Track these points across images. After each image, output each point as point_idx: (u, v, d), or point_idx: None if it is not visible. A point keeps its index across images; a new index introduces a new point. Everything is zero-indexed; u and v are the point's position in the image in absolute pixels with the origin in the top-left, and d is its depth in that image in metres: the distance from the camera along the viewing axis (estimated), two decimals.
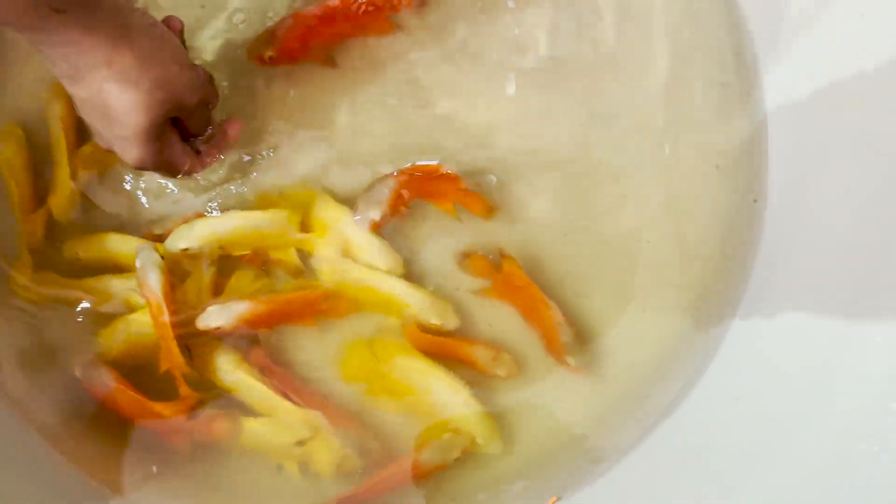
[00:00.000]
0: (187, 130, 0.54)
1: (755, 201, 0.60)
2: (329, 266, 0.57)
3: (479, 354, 0.58)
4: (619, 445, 0.59)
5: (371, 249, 0.57)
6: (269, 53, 0.57)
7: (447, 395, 0.57)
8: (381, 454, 0.58)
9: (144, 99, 0.45)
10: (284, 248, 0.57)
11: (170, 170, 0.53)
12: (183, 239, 0.55)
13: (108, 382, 0.57)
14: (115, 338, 0.57)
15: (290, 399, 0.57)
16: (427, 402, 0.57)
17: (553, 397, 0.60)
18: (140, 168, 0.50)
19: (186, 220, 0.57)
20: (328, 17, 0.57)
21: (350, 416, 0.57)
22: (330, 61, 0.59)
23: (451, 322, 0.58)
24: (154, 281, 0.54)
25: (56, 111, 0.60)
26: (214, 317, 0.55)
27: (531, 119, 0.61)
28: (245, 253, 0.57)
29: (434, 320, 0.57)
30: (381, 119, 0.60)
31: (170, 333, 0.54)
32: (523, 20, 0.61)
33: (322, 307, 0.58)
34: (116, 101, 0.45)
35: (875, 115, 0.52)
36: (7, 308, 0.60)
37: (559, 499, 0.59)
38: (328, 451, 0.56)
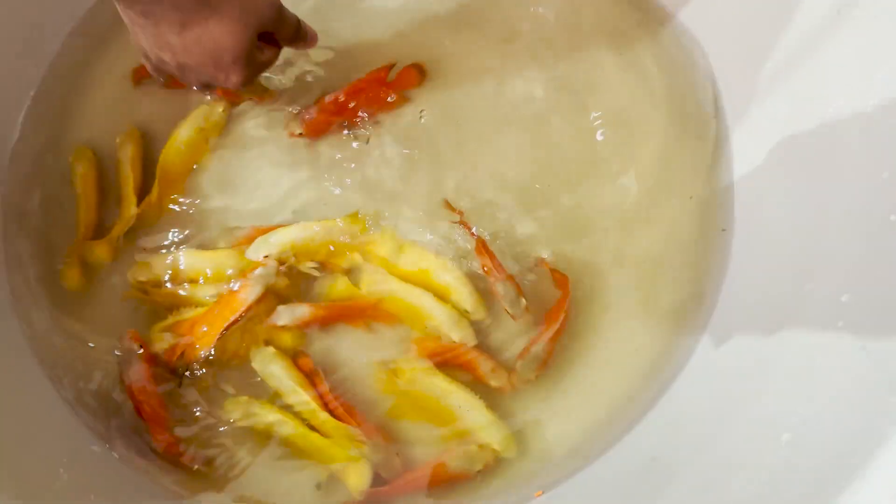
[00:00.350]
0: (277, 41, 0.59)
1: (723, 230, 0.68)
2: (369, 277, 0.64)
3: (480, 364, 0.62)
4: (600, 445, 0.64)
5: (462, 291, 0.63)
6: (298, 131, 0.67)
7: (465, 409, 0.62)
8: (403, 467, 0.62)
9: (239, 23, 0.52)
10: (346, 251, 0.64)
11: (264, 70, 0.59)
12: (263, 248, 0.62)
13: (139, 373, 0.61)
14: (161, 335, 0.62)
15: (329, 409, 0.61)
16: (447, 415, 0.62)
17: (546, 406, 0.64)
18: (244, 83, 0.56)
19: (259, 232, 0.64)
20: (346, 100, 0.67)
21: (379, 428, 0.62)
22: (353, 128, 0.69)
23: (470, 339, 0.63)
24: (255, 291, 0.60)
25: (128, 152, 0.66)
26: (283, 316, 0.62)
27: (532, 167, 0.68)
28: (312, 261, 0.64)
29: (455, 335, 0.62)
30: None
31: (219, 328, 0.60)
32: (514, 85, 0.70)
33: (369, 315, 0.64)
34: (220, 31, 0.52)
35: (832, 155, 0.58)
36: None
37: (542, 492, 0.63)
38: (359, 474, 0.60)
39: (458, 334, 0.62)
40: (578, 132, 0.70)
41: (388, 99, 0.68)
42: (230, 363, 0.63)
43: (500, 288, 0.63)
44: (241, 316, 0.60)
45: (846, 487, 0.44)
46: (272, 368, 0.61)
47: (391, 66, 0.69)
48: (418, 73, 0.69)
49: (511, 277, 0.64)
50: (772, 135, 0.65)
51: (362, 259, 0.64)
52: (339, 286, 0.64)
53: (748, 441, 0.55)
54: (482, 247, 0.64)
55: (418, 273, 0.64)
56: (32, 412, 0.60)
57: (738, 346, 0.62)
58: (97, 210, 0.66)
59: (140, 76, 0.69)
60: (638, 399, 0.65)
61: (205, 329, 0.60)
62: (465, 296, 0.63)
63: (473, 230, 0.65)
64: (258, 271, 0.61)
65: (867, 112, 0.54)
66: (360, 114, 0.68)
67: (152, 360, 0.62)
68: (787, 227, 0.62)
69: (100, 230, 0.66)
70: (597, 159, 0.69)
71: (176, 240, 0.66)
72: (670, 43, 0.72)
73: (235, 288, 0.61)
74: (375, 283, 0.63)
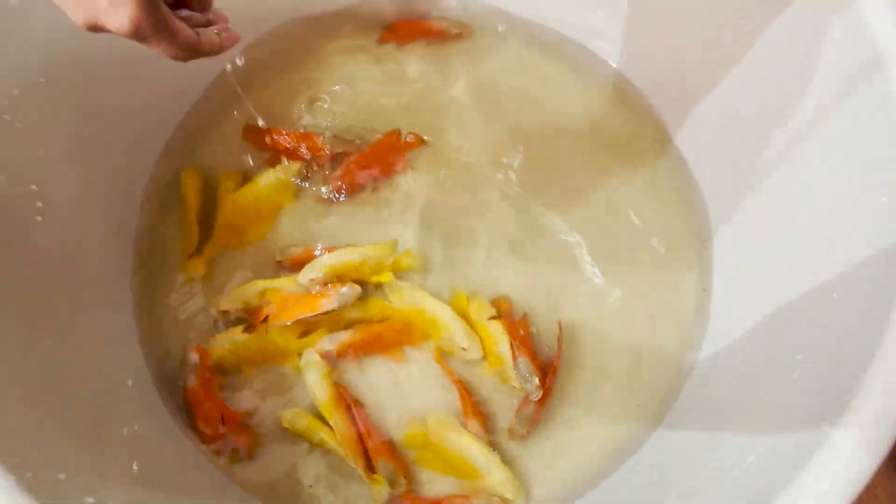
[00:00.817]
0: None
1: (704, 290, 0.77)
2: (398, 291, 0.74)
3: (466, 405, 0.71)
4: (591, 483, 0.71)
5: (455, 327, 0.72)
6: (331, 192, 0.79)
7: (482, 461, 0.69)
8: (409, 487, 0.69)
9: None
10: (382, 272, 0.76)
11: (169, 38, 0.45)
12: (311, 272, 0.74)
13: (192, 377, 0.73)
14: (221, 344, 0.74)
15: (355, 423, 0.70)
16: (466, 467, 0.69)
17: (539, 455, 0.72)
18: (136, 31, 0.44)
19: (307, 254, 0.77)
20: (363, 161, 0.80)
21: (393, 450, 0.71)
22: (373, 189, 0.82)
23: (475, 352, 0.72)
24: (332, 304, 0.72)
25: (227, 188, 0.80)
26: (327, 343, 0.73)
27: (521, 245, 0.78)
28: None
29: (464, 345, 0.71)
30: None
31: (293, 316, 0.73)
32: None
33: (401, 337, 0.73)
34: None
35: (796, 250, 0.66)
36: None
37: None
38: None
39: (467, 343, 0.71)
40: (567, 224, 0.80)
41: (399, 161, 0.82)
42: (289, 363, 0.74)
43: (520, 362, 0.71)
44: (313, 316, 0.72)
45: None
46: (310, 375, 0.72)
47: (398, 133, 0.82)
48: (418, 140, 0.83)
49: (535, 358, 0.71)
50: (749, 230, 0.75)
51: (393, 277, 0.76)
52: (373, 305, 0.75)
53: (725, 460, 0.61)
54: (512, 324, 0.73)
55: (414, 312, 0.74)
56: (123, 381, 0.71)
57: (715, 393, 0.71)
58: (198, 219, 0.79)
59: (248, 133, 0.84)
60: (623, 447, 0.73)
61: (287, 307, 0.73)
62: (458, 331, 0.72)
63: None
64: (344, 290, 0.72)
65: (824, 213, 0.64)
66: (378, 174, 0.81)
67: (209, 369, 0.73)
68: (757, 302, 0.70)
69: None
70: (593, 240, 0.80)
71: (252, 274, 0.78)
72: (662, 151, 0.84)
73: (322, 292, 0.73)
74: (405, 295, 0.74)
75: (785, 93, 0.67)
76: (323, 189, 0.80)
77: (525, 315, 0.75)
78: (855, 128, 0.60)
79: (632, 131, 0.85)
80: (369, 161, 0.81)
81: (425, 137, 0.84)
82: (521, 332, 0.73)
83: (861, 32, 0.58)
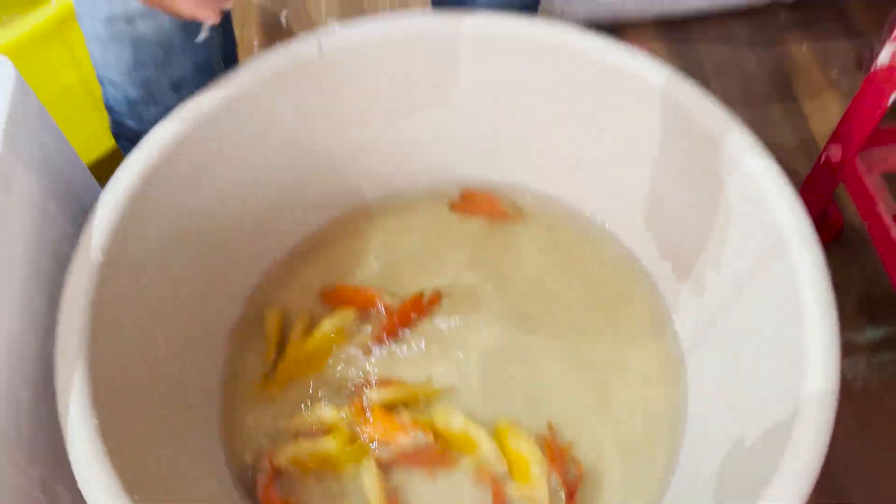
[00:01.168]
0: None
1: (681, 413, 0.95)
2: (440, 413, 0.89)
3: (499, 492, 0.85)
4: None
5: (486, 447, 0.86)
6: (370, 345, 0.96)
7: None
8: None
9: None
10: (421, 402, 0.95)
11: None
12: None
13: (264, 480, 0.87)
14: (285, 453, 0.88)
15: None
16: None
17: None
18: None
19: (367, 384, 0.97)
20: (399, 316, 0.98)
21: None
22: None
23: (501, 468, 0.85)
24: (401, 444, 0.87)
25: (296, 330, 1.00)
26: (382, 452, 0.88)
27: (529, 370, 0.95)
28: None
29: (493, 461, 0.85)
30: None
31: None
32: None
33: (439, 456, 0.88)
34: None
35: (745, 369, 0.80)
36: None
37: None
38: None
39: (495, 461, 0.85)
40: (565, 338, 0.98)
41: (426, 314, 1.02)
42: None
43: (552, 478, 0.83)
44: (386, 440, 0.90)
45: None
46: (367, 480, 0.88)
47: (422, 294, 1.03)
48: (439, 298, 1.03)
49: (566, 476, 0.83)
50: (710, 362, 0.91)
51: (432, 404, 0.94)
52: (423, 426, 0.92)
53: None
54: (554, 448, 0.87)
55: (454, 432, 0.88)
56: (209, 481, 0.86)
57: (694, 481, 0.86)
58: (276, 351, 0.97)
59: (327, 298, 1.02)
60: None
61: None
62: (488, 451, 0.86)
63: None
64: (419, 442, 0.87)
65: (754, 351, 0.82)
66: (413, 323, 1.01)
67: (276, 473, 0.90)
68: (726, 406, 0.88)
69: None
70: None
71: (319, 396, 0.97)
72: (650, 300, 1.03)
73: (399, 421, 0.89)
74: (446, 416, 0.89)
75: (722, 261, 0.89)
76: (371, 334, 1.01)
77: (570, 442, 0.90)
78: (769, 292, 0.80)
79: (629, 292, 1.04)
80: (403, 316, 1.01)
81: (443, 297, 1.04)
82: (561, 454, 0.88)
83: (768, 222, 0.80)
